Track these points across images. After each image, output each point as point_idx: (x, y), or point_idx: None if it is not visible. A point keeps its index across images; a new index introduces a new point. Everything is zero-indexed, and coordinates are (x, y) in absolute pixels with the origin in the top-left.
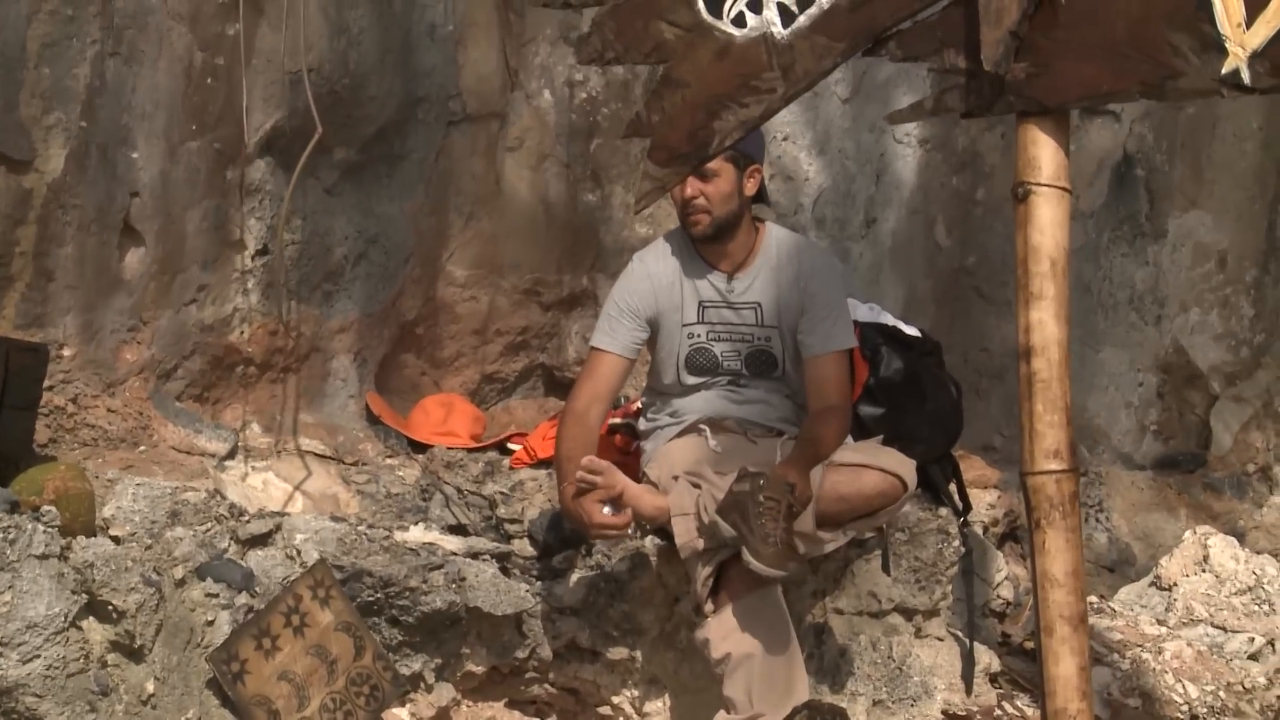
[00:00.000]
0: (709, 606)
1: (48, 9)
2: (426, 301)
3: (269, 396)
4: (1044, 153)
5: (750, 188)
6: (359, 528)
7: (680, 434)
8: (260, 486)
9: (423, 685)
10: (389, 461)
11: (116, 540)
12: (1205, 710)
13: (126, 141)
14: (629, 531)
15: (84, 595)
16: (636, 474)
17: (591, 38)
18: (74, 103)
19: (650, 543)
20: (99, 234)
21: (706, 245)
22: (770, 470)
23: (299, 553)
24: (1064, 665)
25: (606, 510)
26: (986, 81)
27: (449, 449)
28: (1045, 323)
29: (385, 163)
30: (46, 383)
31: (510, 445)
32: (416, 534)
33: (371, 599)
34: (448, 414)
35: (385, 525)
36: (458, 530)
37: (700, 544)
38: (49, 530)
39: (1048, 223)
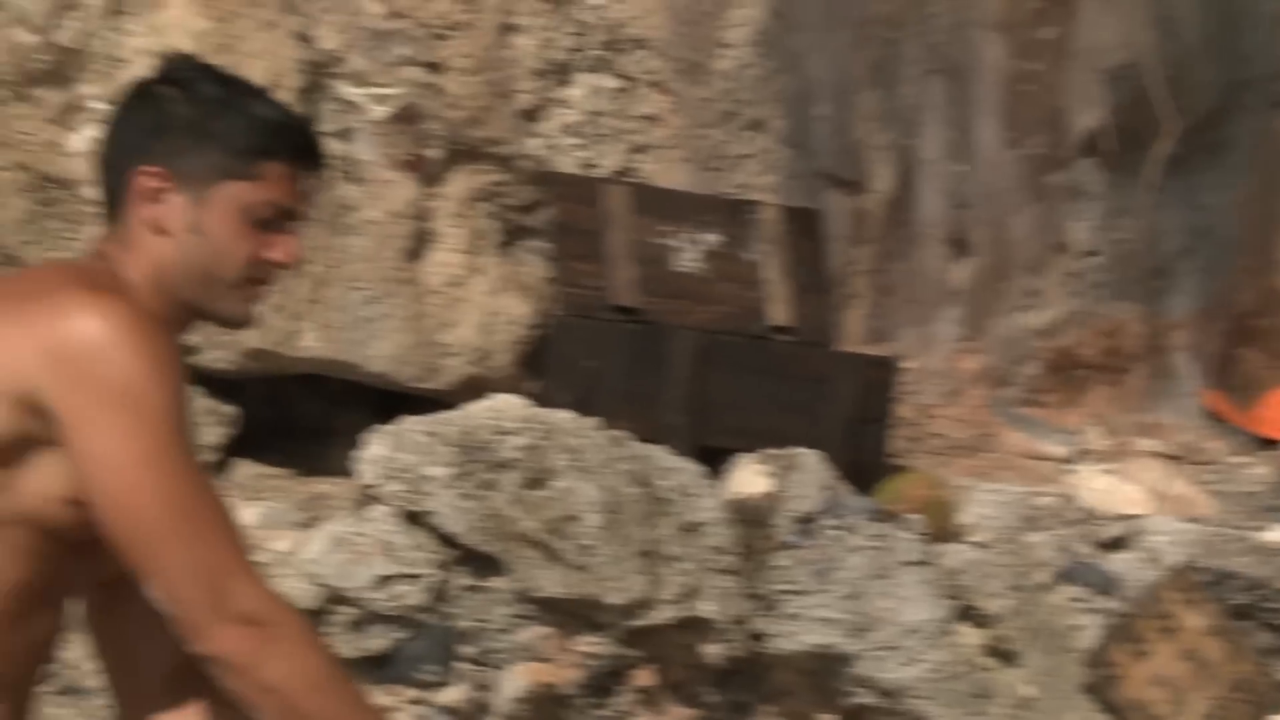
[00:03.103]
0: None
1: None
2: (1261, 292)
3: (1106, 398)
4: None
5: None
6: (1217, 529)
7: None
8: (1107, 489)
9: None
10: (1236, 459)
11: (978, 545)
12: None
13: (951, 155)
14: None
15: (954, 600)
16: None
17: None
18: (900, 122)
19: None
20: (929, 247)
21: None
22: None
23: (1158, 555)
24: None
25: None
26: None
27: None
28: None
29: (1207, 152)
30: (893, 394)
31: None
32: (1278, 534)
33: (1240, 603)
34: None
35: (1243, 525)
36: None
37: None
38: (916, 537)
39: None
